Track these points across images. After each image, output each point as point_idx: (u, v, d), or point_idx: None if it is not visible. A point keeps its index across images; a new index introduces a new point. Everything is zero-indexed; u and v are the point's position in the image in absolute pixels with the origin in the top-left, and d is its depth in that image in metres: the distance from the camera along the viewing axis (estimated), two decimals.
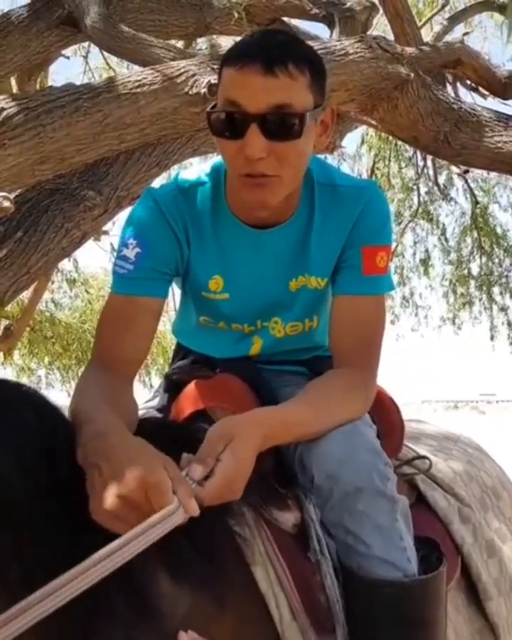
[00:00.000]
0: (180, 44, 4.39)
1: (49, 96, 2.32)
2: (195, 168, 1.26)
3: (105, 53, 4.99)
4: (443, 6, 5.11)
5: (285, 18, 4.05)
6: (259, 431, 0.98)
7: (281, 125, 1.04)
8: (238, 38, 4.52)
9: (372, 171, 5.98)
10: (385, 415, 1.26)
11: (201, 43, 4.93)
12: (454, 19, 4.94)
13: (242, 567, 0.98)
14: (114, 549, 0.74)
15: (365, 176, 6.05)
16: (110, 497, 0.80)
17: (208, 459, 0.91)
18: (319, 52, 2.50)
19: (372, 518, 1.03)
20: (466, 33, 3.50)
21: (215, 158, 1.26)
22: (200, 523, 0.90)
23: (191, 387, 1.25)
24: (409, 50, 3.13)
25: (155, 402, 1.37)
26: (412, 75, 2.54)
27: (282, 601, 0.99)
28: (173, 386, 1.32)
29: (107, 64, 5.98)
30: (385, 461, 1.08)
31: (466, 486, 1.34)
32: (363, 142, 5.99)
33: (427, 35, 5.04)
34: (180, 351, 1.45)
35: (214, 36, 4.36)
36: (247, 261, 1.21)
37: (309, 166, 1.17)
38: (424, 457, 1.29)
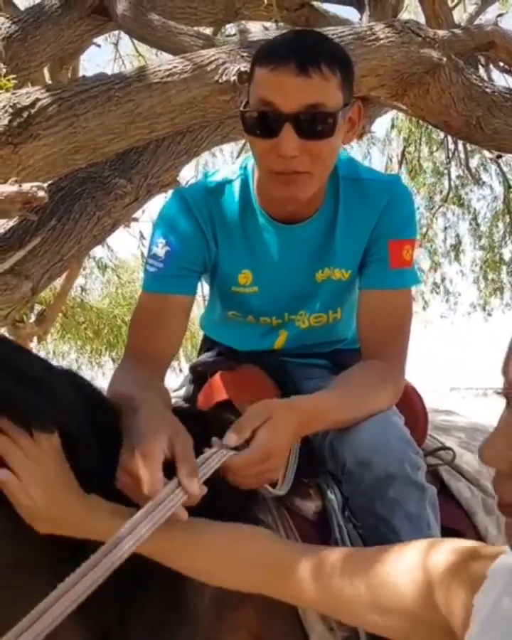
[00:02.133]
0: (209, 30, 4.37)
1: (81, 86, 2.34)
2: (224, 168, 1.28)
3: (135, 41, 5.00)
4: None
5: (315, 2, 4.01)
6: (296, 415, 1.01)
7: (314, 124, 1.06)
8: (268, 24, 4.49)
9: (403, 155, 5.91)
10: (409, 406, 1.27)
11: (230, 29, 4.90)
12: (486, 0, 4.83)
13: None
14: (121, 536, 0.77)
15: (395, 160, 5.99)
16: (119, 468, 0.86)
17: (244, 429, 0.95)
18: (349, 37, 2.49)
19: (402, 505, 1.05)
20: (500, 14, 3.40)
21: (242, 158, 1.28)
22: (224, 511, 0.93)
23: (216, 378, 1.28)
24: (441, 33, 3.07)
25: (182, 392, 1.40)
26: (444, 59, 2.49)
27: None
28: (198, 377, 1.35)
29: (137, 51, 5.99)
30: (416, 450, 1.10)
31: (492, 478, 1.34)
32: (393, 126, 5.92)
33: (459, 16, 4.95)
34: (207, 343, 1.48)
35: (243, 22, 4.33)
36: (276, 254, 1.23)
37: (336, 161, 1.18)
38: (448, 448, 1.30)
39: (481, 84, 2.63)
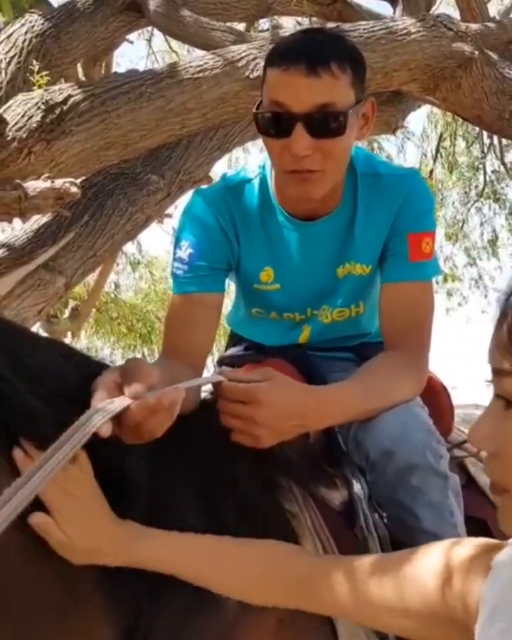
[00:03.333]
0: (241, 26, 4.40)
1: (113, 82, 2.39)
2: (244, 169, 1.31)
3: (168, 37, 5.05)
4: None
5: None
6: (305, 396, 1.06)
7: (326, 123, 1.09)
8: (300, 19, 4.49)
9: (438, 150, 5.87)
10: (435, 399, 1.28)
11: (263, 24, 4.92)
12: None
13: (291, 540, 1.03)
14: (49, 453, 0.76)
15: (429, 155, 5.95)
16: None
17: (241, 374, 1.02)
18: (381, 32, 2.50)
19: (425, 493, 1.07)
20: None
21: (261, 156, 1.31)
22: (250, 499, 0.96)
23: (244, 370, 1.31)
24: (474, 26, 3.06)
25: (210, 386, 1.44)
26: (477, 53, 2.49)
27: None
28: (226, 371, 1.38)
29: (170, 47, 6.05)
30: (438, 440, 1.12)
31: None
32: (429, 121, 5.89)
33: (494, 9, 4.89)
34: (234, 339, 1.51)
35: (276, 17, 4.35)
36: (296, 252, 1.25)
37: (351, 156, 1.20)
38: None
39: None
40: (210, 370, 1.48)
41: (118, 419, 0.81)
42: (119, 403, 0.80)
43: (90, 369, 0.88)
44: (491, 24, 3.14)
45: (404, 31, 2.47)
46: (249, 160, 6.34)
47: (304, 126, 1.08)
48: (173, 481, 0.93)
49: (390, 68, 2.48)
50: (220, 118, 2.54)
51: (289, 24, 4.86)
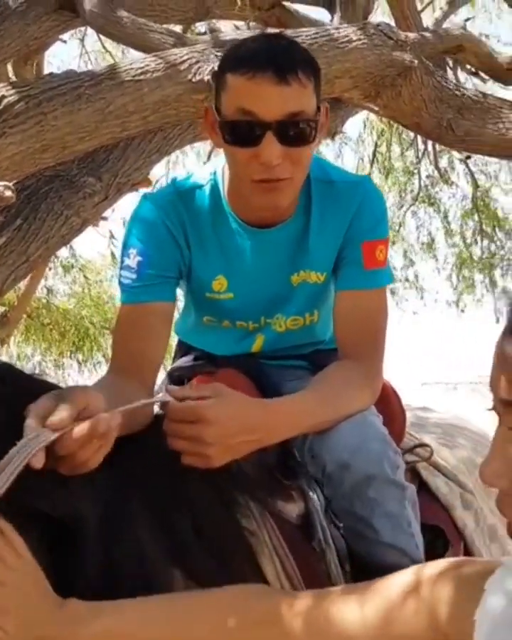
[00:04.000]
0: (178, 28, 4.37)
1: (50, 83, 2.33)
2: (193, 174, 1.29)
3: (102, 37, 4.97)
4: None
5: (286, 3, 4.04)
6: (252, 410, 1.04)
7: (297, 131, 1.09)
8: (239, 23, 4.49)
9: (374, 155, 5.99)
10: (387, 405, 1.30)
11: (200, 27, 4.90)
12: (454, 4, 4.92)
13: (250, 559, 1.02)
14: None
15: (366, 159, 6.07)
16: None
17: (187, 391, 0.99)
18: (322, 39, 2.52)
19: (382, 504, 1.08)
20: (468, 19, 3.48)
21: (210, 164, 1.30)
22: (207, 518, 0.94)
23: (195, 382, 1.29)
24: (412, 36, 3.13)
25: (160, 397, 1.41)
26: (416, 62, 2.55)
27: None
28: (176, 382, 1.36)
29: (104, 47, 5.96)
30: (395, 450, 1.13)
31: (470, 473, 1.39)
32: (365, 126, 6.00)
33: (427, 19, 5.03)
34: (182, 348, 1.49)
35: (214, 20, 4.34)
36: (250, 259, 1.24)
37: None
38: (425, 445, 1.34)
39: (451, 87, 2.69)
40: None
41: (49, 450, 0.77)
42: (45, 436, 0.77)
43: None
44: (427, 34, 3.22)
45: (346, 39, 2.50)
46: (188, 162, 6.30)
47: (275, 135, 1.07)
48: (128, 507, 0.90)
49: (332, 75, 2.50)
50: (162, 121, 2.51)
51: (227, 27, 4.87)
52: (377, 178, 6.17)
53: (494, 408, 0.63)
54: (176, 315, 1.49)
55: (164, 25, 3.78)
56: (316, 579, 1.05)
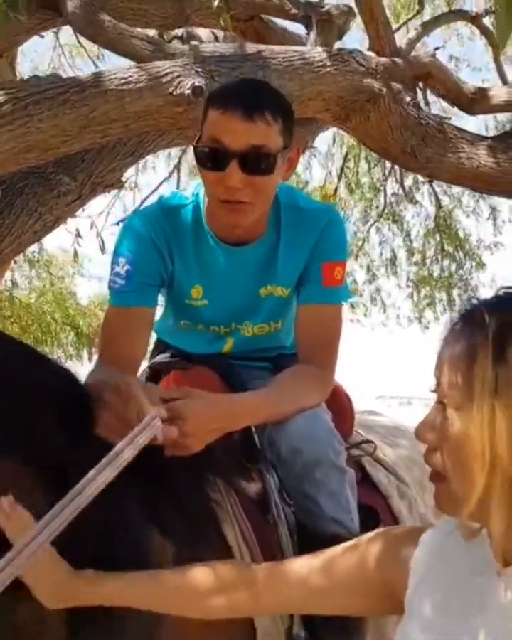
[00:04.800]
0: (152, 32, 4.55)
1: (37, 87, 2.50)
2: (179, 194, 1.51)
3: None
4: (417, 12, 5.37)
5: (264, 16, 4.27)
6: (219, 406, 1.25)
7: (257, 162, 1.31)
8: (217, 31, 4.71)
9: (342, 170, 6.26)
10: (340, 406, 1.53)
11: (178, 32, 5.09)
12: (427, 26, 5.22)
13: (214, 525, 1.23)
14: (113, 455, 0.98)
15: (334, 173, 6.33)
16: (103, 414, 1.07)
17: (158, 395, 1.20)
18: (298, 62, 2.75)
19: (327, 485, 1.30)
20: (437, 48, 3.75)
21: (193, 185, 1.52)
22: (180, 489, 1.15)
23: (171, 376, 1.50)
24: (383, 60, 3.39)
25: None
26: (385, 89, 2.79)
27: (246, 553, 1.24)
28: (155, 376, 1.57)
29: (79, 42, 6.10)
30: (338, 440, 1.36)
31: (408, 469, 1.62)
32: (334, 141, 6.27)
33: (401, 38, 5.32)
34: (160, 346, 1.70)
35: (192, 28, 4.55)
36: (224, 273, 1.46)
37: (277, 192, 1.43)
38: (370, 442, 1.57)
39: (416, 115, 2.94)
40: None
41: None
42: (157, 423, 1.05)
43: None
44: (398, 60, 3.47)
45: (321, 63, 2.74)
46: (158, 164, 6.48)
47: (238, 163, 1.29)
48: (118, 483, 1.10)
49: (305, 97, 2.73)
50: (142, 129, 2.70)
51: (204, 34, 5.09)
52: (343, 193, 6.46)
53: (434, 389, 0.84)
54: (157, 317, 1.71)
55: (144, 30, 3.99)
56: (269, 545, 1.26)
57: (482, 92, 3.56)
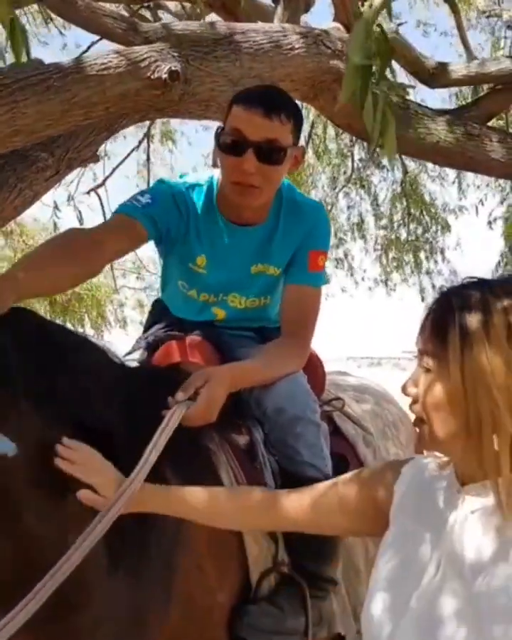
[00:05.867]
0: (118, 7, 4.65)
1: (22, 74, 2.67)
2: (195, 175, 1.78)
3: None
4: None
5: None
6: (228, 376, 1.52)
7: (270, 153, 1.57)
8: (187, 5, 4.83)
9: (310, 136, 6.45)
10: (312, 368, 1.80)
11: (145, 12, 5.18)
12: None
13: (212, 469, 1.50)
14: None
15: (302, 139, 6.52)
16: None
17: (188, 388, 1.46)
18: (268, 45, 2.96)
19: (306, 437, 1.58)
20: (400, 24, 3.95)
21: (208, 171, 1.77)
22: (185, 442, 1.42)
23: (169, 345, 1.76)
24: (346, 37, 3.60)
25: (136, 356, 1.86)
26: None
27: None
28: (152, 345, 1.82)
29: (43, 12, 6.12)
30: (314, 399, 1.64)
31: (372, 421, 1.92)
32: (302, 107, 6.43)
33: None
34: (155, 314, 1.95)
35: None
36: (225, 249, 1.73)
37: (281, 186, 1.69)
38: (339, 398, 1.85)
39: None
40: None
41: None
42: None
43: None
44: None
45: (289, 46, 2.94)
46: (128, 133, 6.60)
47: (254, 152, 1.55)
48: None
49: (275, 78, 2.94)
50: (122, 112, 2.89)
51: (171, 5, 5.21)
52: (311, 159, 6.67)
53: (415, 356, 1.10)
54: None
55: (112, 4, 4.13)
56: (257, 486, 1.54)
57: (442, 67, 3.79)
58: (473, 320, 0.98)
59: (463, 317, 0.99)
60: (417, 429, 1.09)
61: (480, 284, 1.04)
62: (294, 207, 1.73)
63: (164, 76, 2.77)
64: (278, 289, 1.81)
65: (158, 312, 1.95)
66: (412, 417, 1.11)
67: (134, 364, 1.82)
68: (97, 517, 1.23)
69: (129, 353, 1.89)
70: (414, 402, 1.07)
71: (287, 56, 2.94)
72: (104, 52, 2.91)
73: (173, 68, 2.76)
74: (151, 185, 1.75)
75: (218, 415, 1.54)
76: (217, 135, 1.62)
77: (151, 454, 1.29)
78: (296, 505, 1.25)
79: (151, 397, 1.42)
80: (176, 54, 2.81)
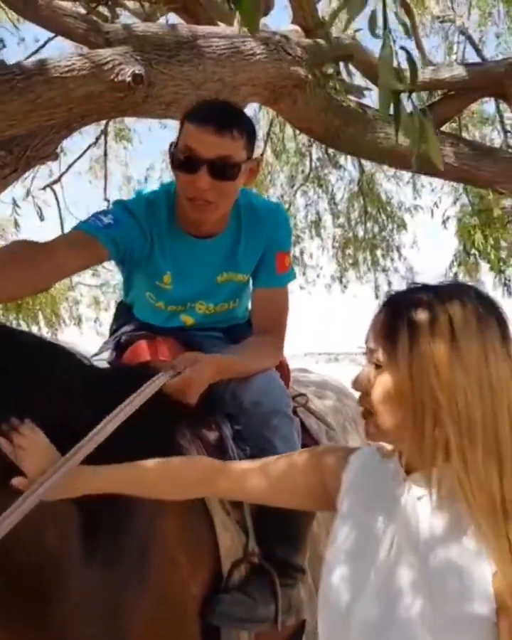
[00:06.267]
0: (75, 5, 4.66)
1: None
2: (152, 189, 1.82)
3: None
4: None
5: None
6: (214, 364, 1.61)
7: (223, 169, 1.62)
8: (146, 4, 4.85)
9: (268, 135, 6.54)
10: (279, 366, 1.89)
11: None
12: None
13: None
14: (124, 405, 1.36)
15: (261, 138, 6.60)
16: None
17: (177, 366, 1.56)
18: (230, 51, 3.03)
19: (281, 430, 1.67)
20: (357, 30, 4.07)
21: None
22: (158, 438, 1.49)
23: (138, 344, 1.82)
24: (306, 43, 3.70)
25: (106, 356, 1.92)
26: (310, 76, 3.11)
27: None
28: (122, 345, 1.88)
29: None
30: (288, 394, 1.73)
31: (333, 416, 2.02)
32: (260, 107, 6.51)
33: (324, 9, 5.60)
34: (122, 316, 2.01)
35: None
36: (189, 262, 1.79)
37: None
38: (303, 395, 1.95)
39: (338, 99, 3.28)
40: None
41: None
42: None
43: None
44: (322, 41, 3.78)
45: (251, 52, 3.03)
46: (84, 129, 6.57)
47: (207, 169, 1.60)
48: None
49: (237, 83, 3.02)
50: (85, 113, 2.94)
51: (130, 4, 5.23)
52: (270, 157, 6.76)
53: (365, 353, 1.17)
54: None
55: (80, 11, 4.15)
56: None
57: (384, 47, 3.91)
58: (420, 320, 1.06)
59: (411, 317, 1.07)
60: (363, 421, 1.16)
61: (426, 288, 1.12)
62: (253, 212, 1.79)
63: (128, 79, 2.83)
64: (246, 291, 1.89)
65: (125, 314, 2.00)
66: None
67: (104, 364, 1.88)
68: (20, 497, 1.24)
69: (97, 354, 1.94)
70: (365, 394, 1.14)
71: (249, 62, 3.02)
72: (68, 54, 2.96)
73: (136, 71, 2.81)
74: (115, 202, 1.78)
75: (190, 411, 1.62)
76: (171, 152, 1.66)
77: (92, 437, 1.32)
78: (252, 475, 1.31)
79: (122, 395, 1.48)
80: (139, 57, 2.86)
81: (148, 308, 1.90)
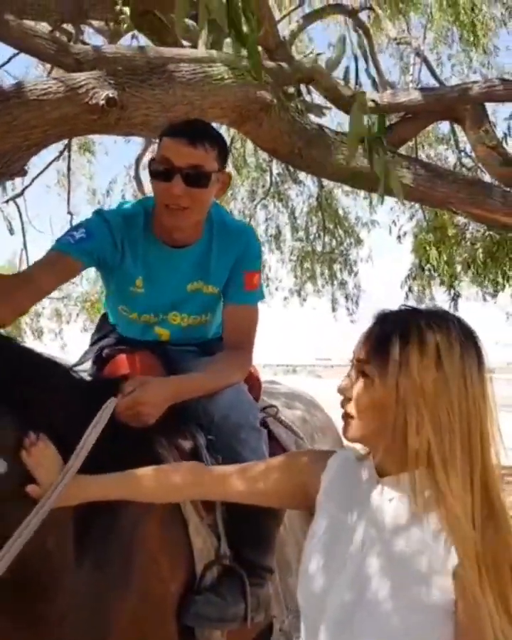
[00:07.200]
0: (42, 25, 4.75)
1: None
2: (132, 203, 1.97)
3: None
4: (299, 5, 5.87)
5: (157, 12, 4.58)
6: (170, 386, 1.71)
7: (196, 177, 1.77)
8: (115, 25, 4.96)
9: (229, 151, 6.69)
10: (251, 378, 2.02)
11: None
12: (308, 18, 5.71)
13: None
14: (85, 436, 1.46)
15: None
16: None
17: (126, 389, 1.65)
18: (200, 76, 3.17)
19: (249, 442, 1.79)
20: (319, 54, 4.25)
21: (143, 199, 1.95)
22: (136, 447, 1.61)
23: (118, 358, 1.93)
24: (270, 64, 3.87)
25: (86, 367, 2.03)
26: (275, 100, 3.27)
27: None
28: (103, 358, 1.99)
29: None
30: (256, 407, 1.86)
31: (302, 426, 2.16)
32: (221, 123, 6.67)
33: (284, 29, 5.79)
34: (103, 329, 2.12)
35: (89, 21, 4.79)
36: (161, 269, 1.92)
37: (211, 210, 1.89)
38: (273, 406, 2.08)
39: (302, 122, 3.44)
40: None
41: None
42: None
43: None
44: (284, 64, 3.95)
45: (219, 77, 3.17)
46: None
47: (181, 177, 1.76)
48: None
49: (206, 106, 3.16)
50: (60, 135, 3.04)
51: (97, 23, 5.34)
52: (231, 172, 6.92)
53: (352, 361, 1.28)
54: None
55: (40, 24, 4.24)
56: None
57: (356, 96, 4.11)
58: (412, 341, 1.19)
59: (405, 338, 1.19)
60: (343, 422, 1.28)
61: (417, 312, 1.25)
62: (224, 229, 1.93)
63: (101, 102, 2.94)
64: (217, 307, 2.01)
65: (106, 327, 2.12)
66: (340, 411, 1.30)
67: (86, 376, 1.99)
68: (35, 508, 1.36)
69: (78, 364, 2.05)
70: (347, 399, 1.25)
71: (217, 86, 3.16)
72: (44, 78, 3.05)
73: (110, 95, 2.93)
74: (93, 214, 1.93)
75: (167, 422, 1.73)
76: (150, 165, 1.81)
77: (82, 448, 1.44)
78: (236, 478, 1.42)
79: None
80: (112, 81, 2.98)
81: (123, 323, 2.02)
